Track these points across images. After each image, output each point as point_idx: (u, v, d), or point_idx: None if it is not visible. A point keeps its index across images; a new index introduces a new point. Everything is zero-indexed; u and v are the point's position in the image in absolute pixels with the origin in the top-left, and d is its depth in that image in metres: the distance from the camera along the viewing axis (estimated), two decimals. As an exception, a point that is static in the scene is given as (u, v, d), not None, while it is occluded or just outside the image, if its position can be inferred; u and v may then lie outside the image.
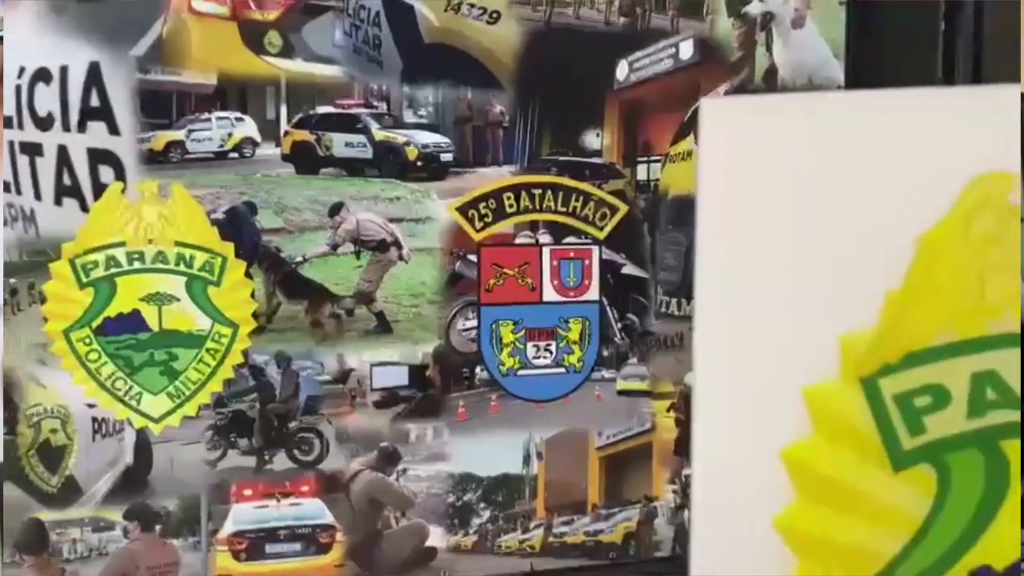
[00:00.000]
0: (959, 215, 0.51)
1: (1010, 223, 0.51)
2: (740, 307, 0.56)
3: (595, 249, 1.58)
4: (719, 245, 0.57)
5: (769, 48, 1.62)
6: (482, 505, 1.57)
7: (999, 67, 1.62)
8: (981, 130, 0.52)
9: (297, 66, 1.42)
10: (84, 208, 1.34)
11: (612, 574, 1.57)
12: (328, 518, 1.49)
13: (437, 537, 1.55)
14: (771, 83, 1.62)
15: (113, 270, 1.35)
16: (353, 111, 1.49)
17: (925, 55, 1.62)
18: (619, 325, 1.62)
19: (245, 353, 1.42)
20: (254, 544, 1.45)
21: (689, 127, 1.58)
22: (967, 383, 0.52)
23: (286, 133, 1.45)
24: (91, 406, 1.37)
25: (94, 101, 1.33)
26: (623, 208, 1.58)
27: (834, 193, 0.55)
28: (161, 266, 1.37)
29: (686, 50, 1.58)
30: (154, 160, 1.37)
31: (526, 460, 1.59)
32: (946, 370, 0.52)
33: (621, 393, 1.62)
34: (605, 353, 1.60)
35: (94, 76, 1.32)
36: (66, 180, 1.34)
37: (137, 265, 1.36)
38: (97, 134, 1.33)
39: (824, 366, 0.52)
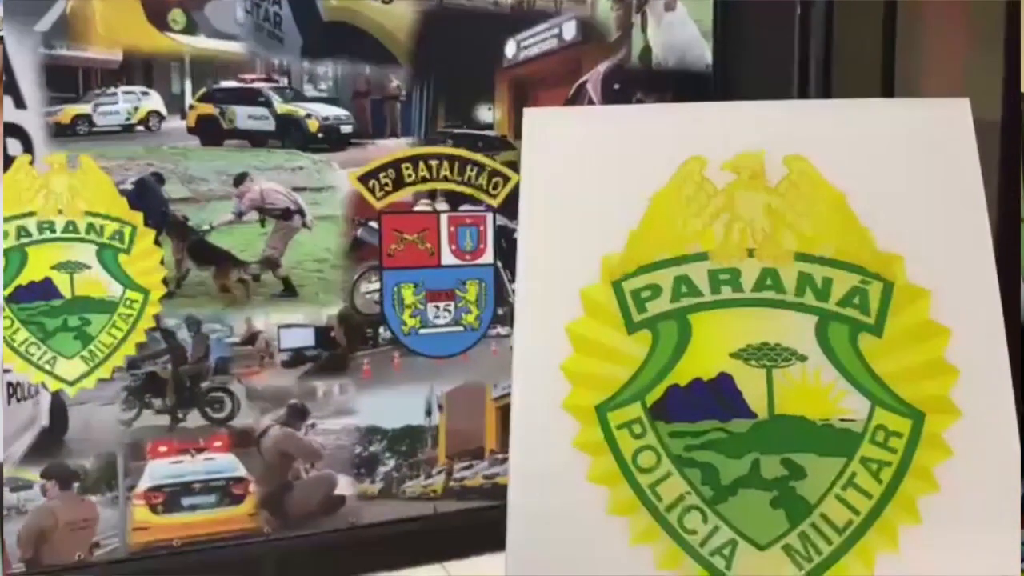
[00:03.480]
0: (674, 184, 0.89)
1: (702, 189, 0.89)
2: (546, 243, 0.91)
3: (489, 216, 1.68)
4: (536, 203, 0.91)
5: (644, 29, 1.75)
6: (387, 455, 1.66)
7: (849, 45, 1.80)
8: (693, 128, 0.91)
9: (200, 42, 1.47)
10: (-8, 180, 1.37)
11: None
12: (241, 471, 1.56)
13: (345, 486, 1.63)
14: (646, 61, 1.75)
15: (24, 240, 1.40)
16: (255, 85, 1.54)
17: (782, 34, 1.78)
18: (512, 286, 1.72)
19: (156, 317, 1.49)
20: (170, 497, 1.51)
21: (573, 101, 1.70)
22: (671, 282, 0.89)
23: (191, 107, 1.49)
24: (6, 371, 1.41)
25: (-1, 75, 1.35)
26: (515, 177, 1.67)
27: (608, 170, 0.90)
28: (71, 235, 1.42)
29: (569, 30, 1.70)
30: (62, 133, 1.40)
31: (428, 412, 1.69)
32: (660, 275, 0.89)
33: (515, 348, 1.73)
34: (500, 312, 1.71)
35: (-2, 51, 1.35)
36: (-27, 153, 1.37)
37: (48, 235, 1.41)
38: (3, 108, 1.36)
39: (593, 275, 0.90)
